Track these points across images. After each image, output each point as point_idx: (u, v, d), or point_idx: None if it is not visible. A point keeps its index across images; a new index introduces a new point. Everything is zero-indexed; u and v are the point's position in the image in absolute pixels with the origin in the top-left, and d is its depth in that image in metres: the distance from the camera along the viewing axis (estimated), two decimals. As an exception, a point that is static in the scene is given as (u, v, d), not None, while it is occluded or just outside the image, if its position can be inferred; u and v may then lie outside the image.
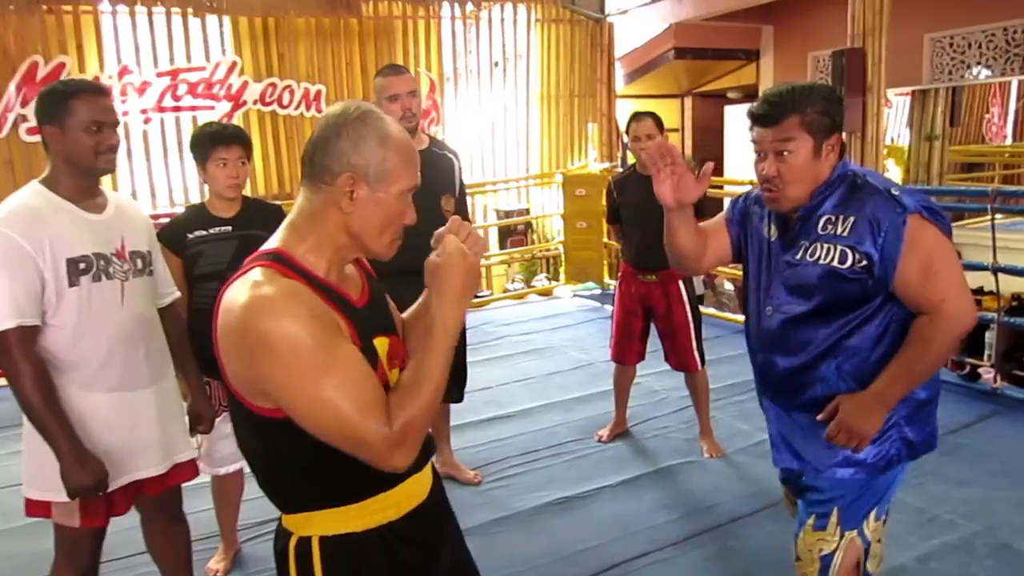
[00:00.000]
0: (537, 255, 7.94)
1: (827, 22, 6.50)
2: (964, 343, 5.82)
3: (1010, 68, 6.21)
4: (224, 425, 2.82)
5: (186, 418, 2.45)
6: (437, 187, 3.25)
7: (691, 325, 3.71)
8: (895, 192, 1.72)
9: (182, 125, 6.59)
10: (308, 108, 6.93)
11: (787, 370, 1.87)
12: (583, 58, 7.92)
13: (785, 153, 1.74)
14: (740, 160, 7.46)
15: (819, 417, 1.79)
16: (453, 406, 3.54)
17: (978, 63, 6.28)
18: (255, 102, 6.82)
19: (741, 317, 6.06)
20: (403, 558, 1.38)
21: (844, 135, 1.91)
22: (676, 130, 9.63)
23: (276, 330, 1.17)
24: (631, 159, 4.50)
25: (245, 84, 6.75)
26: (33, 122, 6.09)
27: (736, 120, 7.64)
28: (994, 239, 4.10)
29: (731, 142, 8.06)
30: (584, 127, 7.97)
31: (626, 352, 3.90)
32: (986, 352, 5.15)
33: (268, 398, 1.23)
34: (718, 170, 8.71)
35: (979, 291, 5.73)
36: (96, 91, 2.09)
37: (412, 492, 1.40)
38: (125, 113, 6.27)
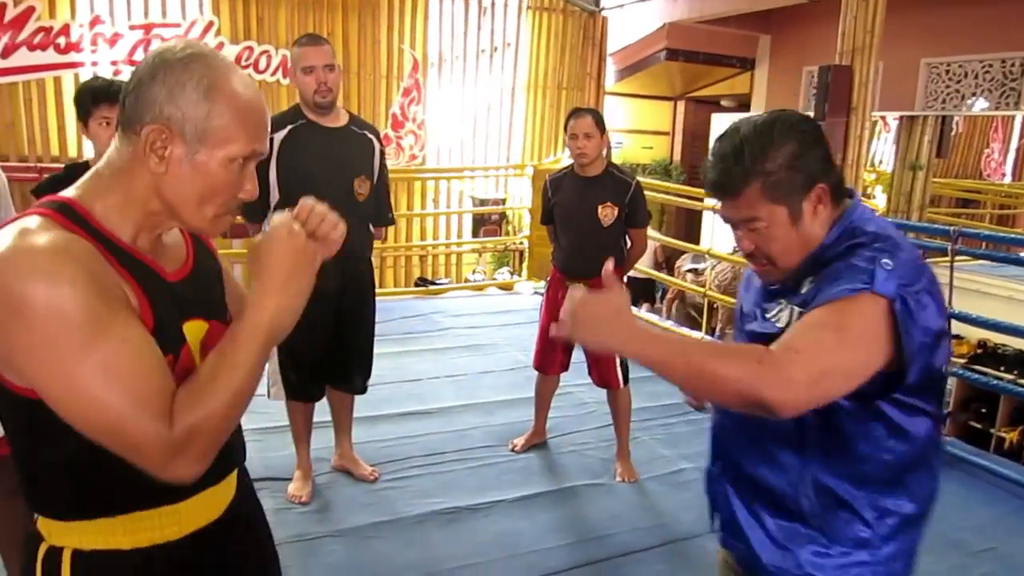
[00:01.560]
0: (509, 247, 7.75)
1: (824, 36, 6.25)
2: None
3: (1004, 102, 5.95)
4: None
5: None
6: (352, 168, 3.07)
7: (616, 340, 3.51)
8: (884, 264, 1.26)
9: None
10: (285, 75, 6.73)
11: (741, 447, 1.48)
12: (574, 50, 7.69)
13: (756, 230, 1.36)
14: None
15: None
16: (374, 395, 3.40)
17: (973, 94, 6.03)
18: (231, 64, 6.64)
19: (699, 334, 5.89)
20: None
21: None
22: (666, 133, 9.39)
23: (34, 290, 0.95)
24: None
25: (220, 45, 6.56)
26: (0, 63, 5.96)
27: (722, 128, 7.37)
28: (952, 282, 3.87)
29: (716, 151, 7.86)
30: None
31: (548, 362, 3.71)
32: (944, 400, 4.93)
33: (18, 373, 1.01)
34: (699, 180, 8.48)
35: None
36: None
37: (198, 510, 1.18)
38: (94, 64, 6.12)
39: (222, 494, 1.23)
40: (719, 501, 1.55)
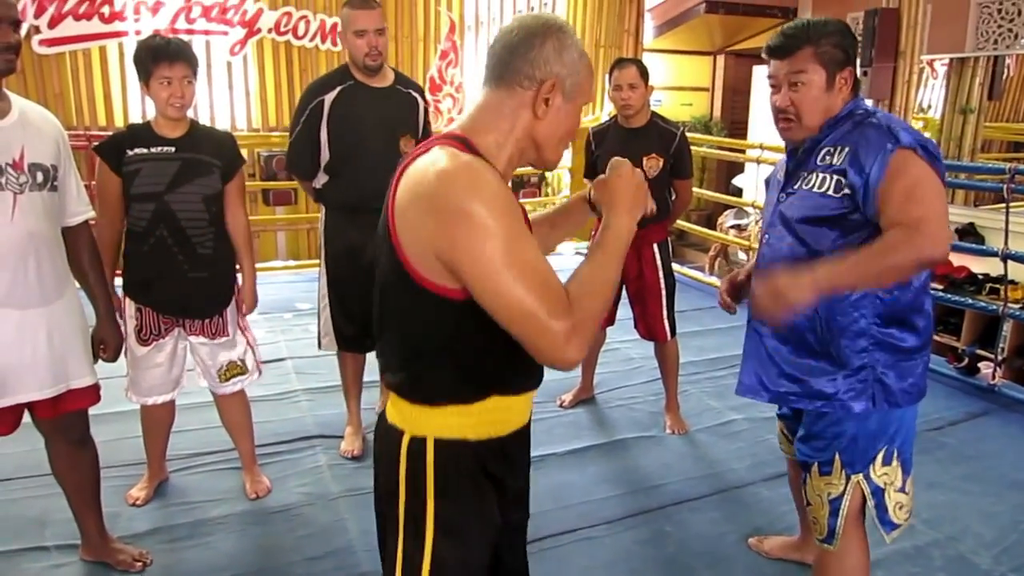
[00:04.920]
0: (549, 208, 7.70)
1: (870, -19, 6.07)
2: (975, 333, 5.51)
3: (1061, 41, 5.71)
4: (155, 354, 2.72)
5: (90, 343, 2.35)
6: (398, 126, 3.09)
7: (663, 292, 3.50)
8: (895, 128, 1.75)
9: (194, 49, 6.46)
10: (324, 41, 6.74)
11: None
12: (611, 7, 7.54)
13: (799, 84, 1.82)
14: (766, 124, 7.03)
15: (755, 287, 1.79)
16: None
17: (1028, 33, 5.80)
18: (269, 31, 6.65)
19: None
20: (494, 473, 1.40)
21: (858, 73, 1.90)
22: (706, 89, 9.18)
23: (479, 204, 1.17)
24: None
25: (260, 11, 6.58)
26: (47, 34, 6.04)
27: (764, 80, 7.19)
28: (1007, 222, 3.78)
29: (757, 104, 7.64)
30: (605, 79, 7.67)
31: (594, 316, 3.71)
32: (999, 345, 4.83)
33: (449, 271, 1.22)
34: (742, 133, 8.31)
35: (1001, 280, 5.40)
36: None
37: (524, 408, 1.44)
38: (138, 32, 6.16)
39: (530, 402, 1.47)
40: None
